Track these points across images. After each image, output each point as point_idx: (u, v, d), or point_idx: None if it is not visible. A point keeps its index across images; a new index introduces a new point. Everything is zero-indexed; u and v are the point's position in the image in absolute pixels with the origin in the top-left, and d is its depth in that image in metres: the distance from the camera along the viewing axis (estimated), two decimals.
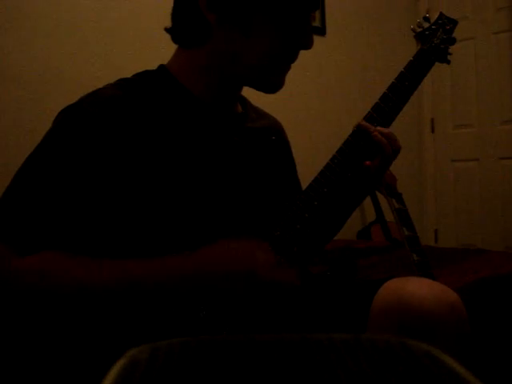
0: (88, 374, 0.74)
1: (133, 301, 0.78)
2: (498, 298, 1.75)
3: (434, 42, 1.01)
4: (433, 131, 3.61)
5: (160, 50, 1.02)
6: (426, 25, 1.03)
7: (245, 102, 1.04)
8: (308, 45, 0.91)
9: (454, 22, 1.04)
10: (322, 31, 3.01)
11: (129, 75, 0.94)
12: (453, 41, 1.02)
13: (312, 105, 3.01)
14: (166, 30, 0.94)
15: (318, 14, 3.00)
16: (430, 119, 3.60)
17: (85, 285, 0.78)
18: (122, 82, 0.91)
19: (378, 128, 0.95)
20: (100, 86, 0.90)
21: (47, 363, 0.78)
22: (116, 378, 0.36)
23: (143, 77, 0.93)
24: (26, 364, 0.79)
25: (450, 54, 1.03)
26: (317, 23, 2.99)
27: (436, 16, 1.04)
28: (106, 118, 0.83)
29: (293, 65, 0.95)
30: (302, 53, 0.93)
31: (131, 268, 0.78)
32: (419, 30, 1.03)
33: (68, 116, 0.85)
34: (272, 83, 0.94)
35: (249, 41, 0.88)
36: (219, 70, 0.92)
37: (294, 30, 0.89)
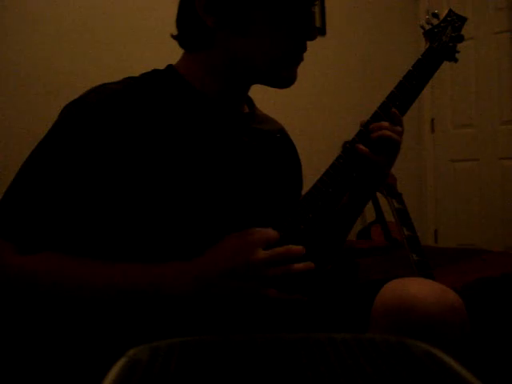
0: (88, 374, 0.74)
1: (130, 308, 0.79)
2: (498, 298, 1.75)
3: (443, 39, 0.98)
4: (433, 131, 3.61)
5: (167, 52, 1.02)
6: (435, 21, 1.00)
7: (251, 103, 1.04)
8: (312, 35, 0.90)
9: (463, 20, 1.01)
10: (322, 31, 3.01)
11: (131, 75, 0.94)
12: (461, 38, 1.00)
13: (312, 105, 3.01)
14: (173, 36, 0.94)
15: (317, 14, 3.00)
16: (430, 119, 3.60)
17: (83, 289, 0.78)
18: (128, 80, 0.90)
19: (376, 125, 0.93)
20: None
21: (47, 362, 0.78)
22: (116, 377, 0.36)
23: (151, 75, 0.93)
24: (26, 363, 0.79)
25: (458, 51, 1.00)
26: (317, 23, 2.99)
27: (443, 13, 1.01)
28: (110, 114, 0.83)
29: None
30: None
31: (129, 276, 0.79)
32: (428, 27, 1.00)
33: (72, 111, 0.85)
34: (284, 78, 0.92)
35: (250, 40, 0.87)
36: (226, 72, 0.91)
37: (296, 23, 0.88)
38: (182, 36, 0.92)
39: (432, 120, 3.60)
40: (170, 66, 0.95)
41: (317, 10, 2.98)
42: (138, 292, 0.79)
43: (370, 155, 0.92)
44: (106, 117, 0.82)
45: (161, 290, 0.79)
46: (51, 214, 0.81)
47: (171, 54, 0.98)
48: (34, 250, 0.80)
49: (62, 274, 0.79)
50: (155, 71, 0.94)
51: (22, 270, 0.79)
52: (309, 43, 0.92)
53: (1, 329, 0.80)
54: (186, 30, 0.91)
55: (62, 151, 0.83)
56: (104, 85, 0.87)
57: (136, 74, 0.94)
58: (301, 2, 0.88)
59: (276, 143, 1.03)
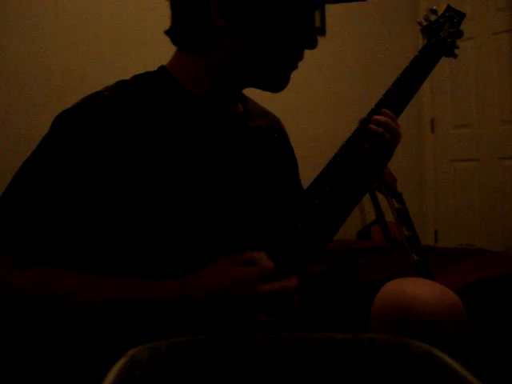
0: (88, 374, 0.74)
1: (125, 320, 0.79)
2: (498, 298, 1.75)
3: (441, 35, 0.98)
4: (433, 131, 3.61)
5: (162, 50, 1.02)
6: (433, 17, 1.00)
7: (245, 100, 1.03)
8: (313, 44, 0.91)
9: (462, 15, 1.01)
10: (322, 31, 3.01)
11: (130, 75, 0.93)
12: (460, 34, 0.99)
13: (312, 104, 3.01)
14: (166, 32, 0.93)
15: (317, 14, 3.00)
16: (430, 119, 3.60)
17: (72, 304, 0.78)
18: (121, 84, 0.90)
19: (375, 117, 0.93)
20: (101, 86, 0.90)
21: (47, 363, 0.78)
22: (116, 377, 0.36)
23: (143, 78, 0.92)
24: (26, 363, 0.79)
25: (457, 47, 1.00)
26: (317, 23, 2.99)
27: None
28: (103, 123, 0.82)
29: None
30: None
31: (128, 291, 0.79)
32: (426, 23, 1.00)
33: (64, 121, 0.85)
34: (279, 83, 0.93)
35: (257, 45, 0.87)
36: (224, 74, 0.91)
37: (299, 31, 0.89)
38: (183, 34, 0.91)
39: (432, 120, 3.60)
40: (162, 68, 0.94)
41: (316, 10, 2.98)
42: (132, 306, 0.78)
43: (369, 151, 0.92)
44: (98, 126, 0.82)
45: (156, 305, 0.78)
46: (47, 226, 0.80)
47: (169, 52, 0.98)
48: (29, 264, 0.80)
49: (52, 288, 0.79)
50: (147, 73, 0.93)
51: (13, 285, 0.79)
52: None
53: (1, 330, 0.80)
54: (191, 28, 0.90)
55: (56, 162, 0.82)
56: (96, 93, 0.87)
57: (137, 72, 0.94)
58: (306, 5, 0.88)
59: (271, 141, 1.03)
